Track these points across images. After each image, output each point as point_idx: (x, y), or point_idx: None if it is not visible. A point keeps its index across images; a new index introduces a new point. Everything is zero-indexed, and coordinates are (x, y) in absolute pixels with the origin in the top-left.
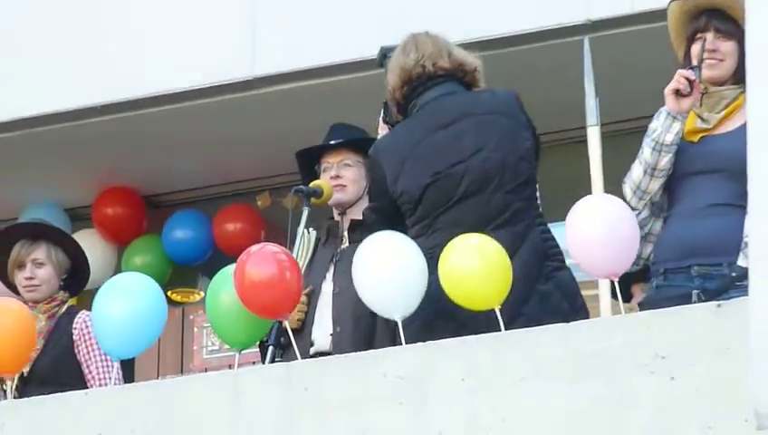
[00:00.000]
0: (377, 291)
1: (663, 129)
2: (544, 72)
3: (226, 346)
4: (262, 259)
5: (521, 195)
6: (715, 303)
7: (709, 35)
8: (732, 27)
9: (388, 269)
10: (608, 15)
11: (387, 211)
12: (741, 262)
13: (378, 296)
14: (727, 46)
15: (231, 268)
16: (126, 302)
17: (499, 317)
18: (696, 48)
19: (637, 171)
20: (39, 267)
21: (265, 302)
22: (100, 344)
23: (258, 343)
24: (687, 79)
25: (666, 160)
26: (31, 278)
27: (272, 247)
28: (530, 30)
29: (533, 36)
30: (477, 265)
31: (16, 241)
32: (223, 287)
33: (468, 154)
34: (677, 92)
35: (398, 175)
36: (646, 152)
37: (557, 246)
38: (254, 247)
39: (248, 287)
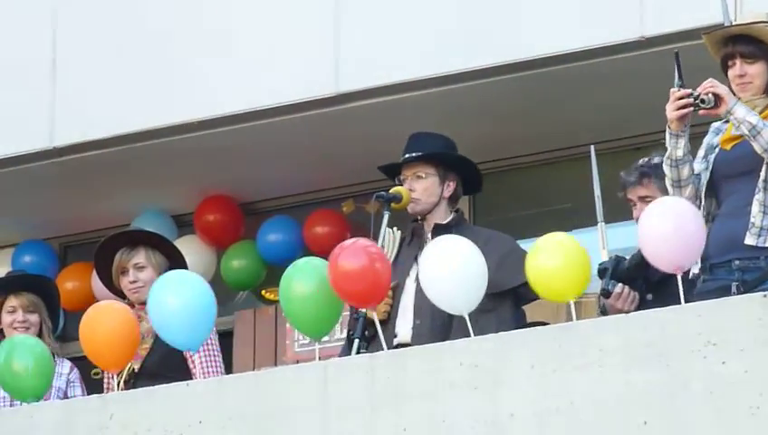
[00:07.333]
0: (438, 289)
1: (671, 147)
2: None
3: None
4: (354, 252)
5: None
6: (761, 293)
7: (738, 62)
8: (756, 50)
9: (448, 269)
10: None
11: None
12: None
13: (439, 294)
14: (754, 68)
15: (300, 262)
16: (175, 297)
17: (572, 309)
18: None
19: (668, 187)
20: (140, 271)
21: (356, 291)
22: (162, 336)
23: (346, 336)
24: (687, 95)
25: (686, 171)
26: (134, 281)
27: (363, 241)
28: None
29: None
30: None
31: (117, 250)
32: (293, 279)
33: None
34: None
35: None
36: (666, 171)
37: None
38: (347, 241)
39: (341, 277)
